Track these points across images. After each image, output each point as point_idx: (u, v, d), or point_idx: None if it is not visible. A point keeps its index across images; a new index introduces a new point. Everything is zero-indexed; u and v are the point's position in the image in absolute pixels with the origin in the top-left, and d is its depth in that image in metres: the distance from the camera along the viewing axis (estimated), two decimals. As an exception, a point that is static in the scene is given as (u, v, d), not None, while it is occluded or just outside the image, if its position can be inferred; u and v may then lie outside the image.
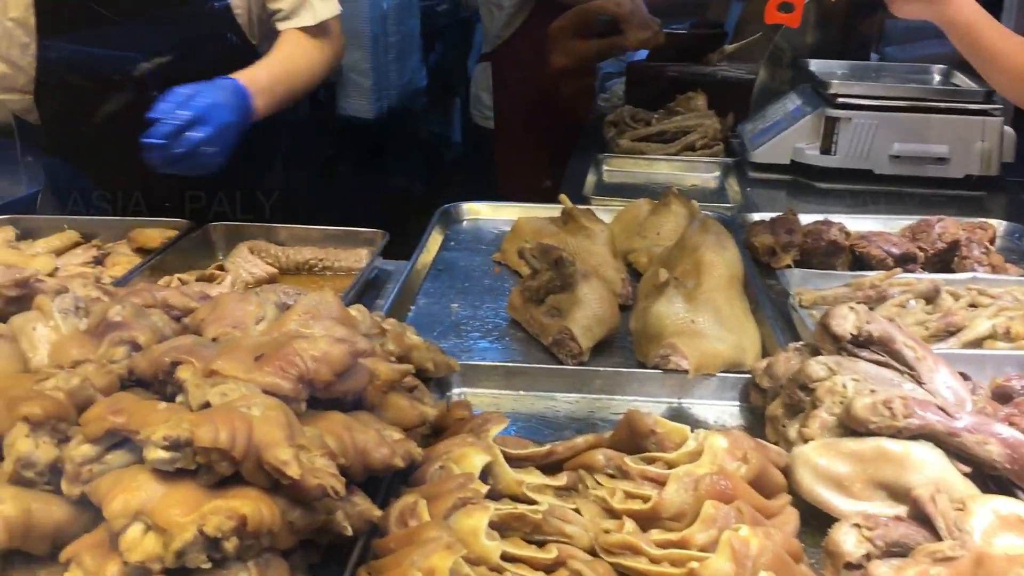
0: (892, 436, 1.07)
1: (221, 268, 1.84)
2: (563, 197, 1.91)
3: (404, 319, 1.69)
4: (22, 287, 1.13)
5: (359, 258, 1.91)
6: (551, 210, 2.18)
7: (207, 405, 0.96)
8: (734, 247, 1.67)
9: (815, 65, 2.92)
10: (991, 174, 2.53)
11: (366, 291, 1.79)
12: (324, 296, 1.18)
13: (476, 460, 1.05)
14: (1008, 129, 2.54)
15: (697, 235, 1.66)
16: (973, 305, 1.66)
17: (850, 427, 1.10)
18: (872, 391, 1.10)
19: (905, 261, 1.87)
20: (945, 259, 1.92)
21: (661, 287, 1.49)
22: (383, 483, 1.10)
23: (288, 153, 4.21)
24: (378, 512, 0.98)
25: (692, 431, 1.13)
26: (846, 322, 1.22)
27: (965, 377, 1.26)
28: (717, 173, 2.71)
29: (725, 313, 1.51)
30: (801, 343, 1.32)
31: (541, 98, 3.24)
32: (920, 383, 1.19)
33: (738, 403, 1.42)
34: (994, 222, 2.05)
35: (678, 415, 1.40)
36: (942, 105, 2.54)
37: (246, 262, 1.83)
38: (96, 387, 1.00)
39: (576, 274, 1.56)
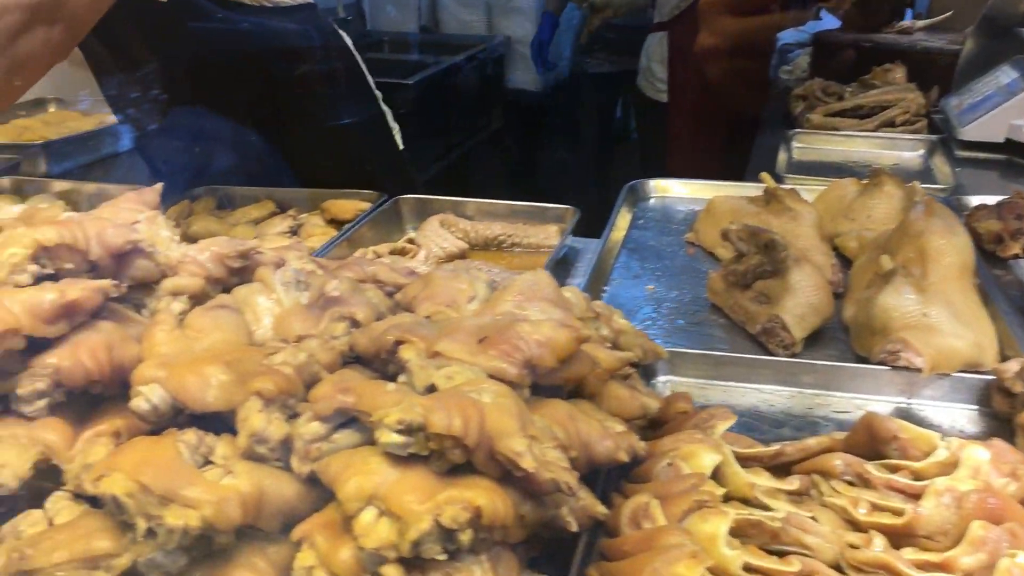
0: None
1: (412, 242, 1.84)
2: (765, 176, 1.80)
3: (599, 300, 1.63)
4: (244, 258, 1.13)
5: (548, 235, 1.86)
6: (742, 188, 2.07)
7: (432, 387, 0.93)
8: (964, 233, 1.52)
9: (1034, 33, 2.67)
10: None
11: (555, 270, 1.74)
12: (538, 276, 1.14)
13: (706, 459, 0.98)
14: None
15: (922, 219, 1.52)
16: None
17: None
18: None
19: None
20: None
21: (887, 276, 1.37)
22: (599, 476, 1.04)
23: (458, 127, 4.24)
24: (602, 508, 0.93)
25: (942, 439, 1.02)
26: (1125, 324, 1.07)
27: None
28: (921, 152, 2.52)
29: (959, 306, 1.37)
30: (1064, 345, 1.18)
31: (721, 71, 3.10)
32: None
33: (975, 407, 1.28)
34: None
35: (906, 417, 1.28)
36: None
37: (437, 236, 1.81)
38: (320, 363, 0.99)
39: (788, 259, 1.46)
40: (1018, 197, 1.81)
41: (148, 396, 0.93)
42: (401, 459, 0.85)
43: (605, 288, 1.69)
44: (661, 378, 1.38)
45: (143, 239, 1.05)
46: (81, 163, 2.42)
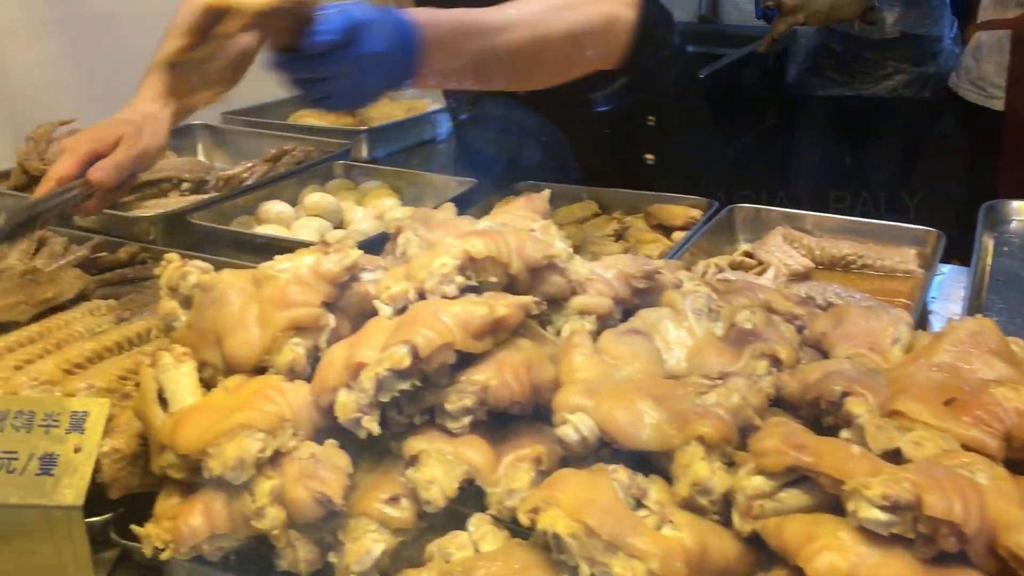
0: None
1: (749, 255, 1.72)
2: None
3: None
4: (649, 279, 1.07)
5: (905, 258, 1.68)
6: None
7: (896, 453, 0.82)
8: None
9: None
10: None
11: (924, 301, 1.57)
12: (982, 324, 1.00)
13: None
14: None
15: None
16: None
17: None
18: None
19: None
20: None
21: None
22: None
23: (737, 123, 4.05)
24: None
25: None
26: None
27: None
28: None
29: None
30: None
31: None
32: None
33: None
34: None
35: None
36: None
37: (781, 252, 1.69)
38: (751, 406, 0.90)
39: None
40: None
41: (577, 426, 0.88)
42: (877, 537, 0.75)
43: (983, 327, 1.50)
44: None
45: (559, 254, 1.01)
46: (397, 149, 2.48)
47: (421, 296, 0.97)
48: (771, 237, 1.73)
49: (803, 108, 4.02)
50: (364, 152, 2.42)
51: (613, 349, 0.97)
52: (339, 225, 1.93)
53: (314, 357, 0.98)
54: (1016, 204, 1.92)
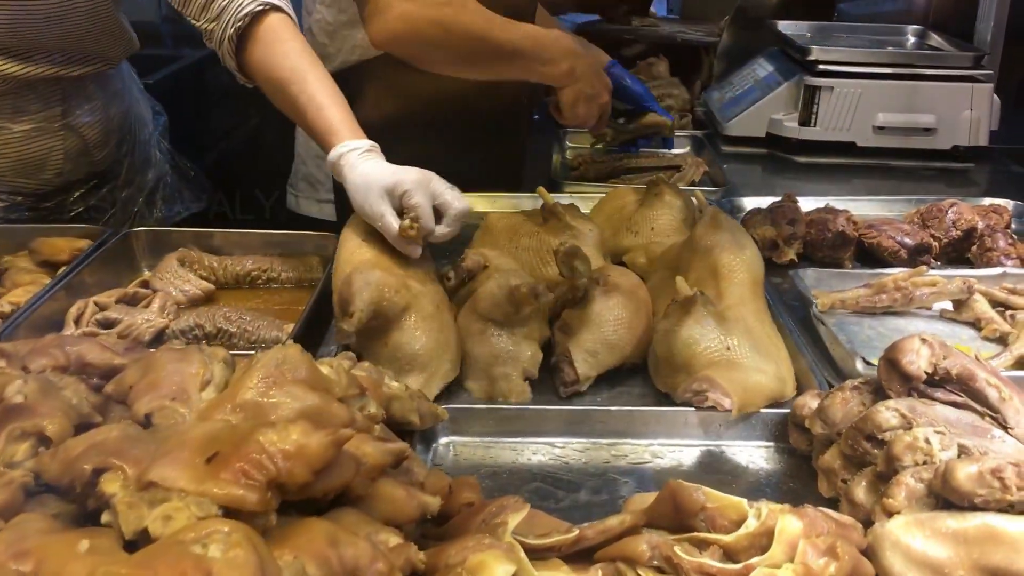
0: (1001, 511, 0.88)
1: (146, 285, 1.57)
2: (542, 191, 1.67)
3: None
4: None
5: (310, 267, 1.65)
6: (518, 201, 1.97)
7: (145, 533, 0.72)
8: (752, 245, 1.45)
9: (785, 27, 2.73)
10: (979, 144, 2.38)
11: (320, 309, 1.53)
12: (288, 353, 0.94)
13: (499, 571, 0.82)
14: (995, 97, 2.39)
15: (710, 233, 1.44)
16: (1004, 307, 1.50)
17: (944, 497, 0.91)
18: (975, 454, 0.91)
19: (920, 252, 1.70)
20: (959, 248, 1.75)
21: (686, 305, 1.26)
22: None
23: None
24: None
25: (750, 505, 0.93)
26: (919, 359, 1.02)
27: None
28: (687, 148, 2.50)
29: (758, 334, 1.30)
30: (860, 380, 1.12)
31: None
32: (1006, 428, 1.01)
33: (769, 443, 1.21)
34: (1004, 202, 1.90)
35: (710, 460, 1.20)
36: (928, 72, 2.37)
37: (176, 277, 1.55)
38: (-9, 508, 0.74)
39: (593, 288, 1.34)
40: (788, 200, 1.80)
41: None
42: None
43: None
44: (443, 440, 1.22)
45: None
46: None
47: None
48: (165, 263, 1.59)
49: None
50: None
51: None
52: None
53: None
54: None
